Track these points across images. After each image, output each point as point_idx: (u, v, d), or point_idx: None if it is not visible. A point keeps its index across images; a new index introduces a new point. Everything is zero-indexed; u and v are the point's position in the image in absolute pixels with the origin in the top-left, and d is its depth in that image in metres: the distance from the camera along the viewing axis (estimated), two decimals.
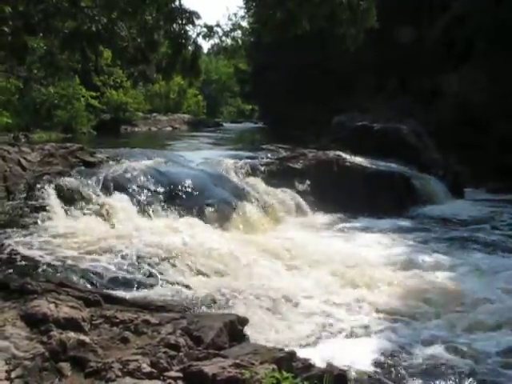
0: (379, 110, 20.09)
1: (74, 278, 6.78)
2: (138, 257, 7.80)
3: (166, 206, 10.52)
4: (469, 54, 20.98)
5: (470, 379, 5.25)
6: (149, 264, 7.64)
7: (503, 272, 8.38)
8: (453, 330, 6.40)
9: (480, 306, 7.04)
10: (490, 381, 5.29)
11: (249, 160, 13.84)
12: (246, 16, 37.93)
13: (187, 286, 7.19)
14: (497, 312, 6.82)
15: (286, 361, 4.15)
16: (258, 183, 12.63)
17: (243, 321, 5.14)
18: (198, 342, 4.50)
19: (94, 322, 4.67)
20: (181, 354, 4.22)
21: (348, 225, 11.68)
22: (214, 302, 6.70)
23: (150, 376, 3.84)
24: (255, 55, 39.98)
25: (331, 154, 14.84)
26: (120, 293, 6.61)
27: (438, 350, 5.87)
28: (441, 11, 23.47)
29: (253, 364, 3.91)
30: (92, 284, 6.84)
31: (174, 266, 7.71)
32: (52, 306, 4.63)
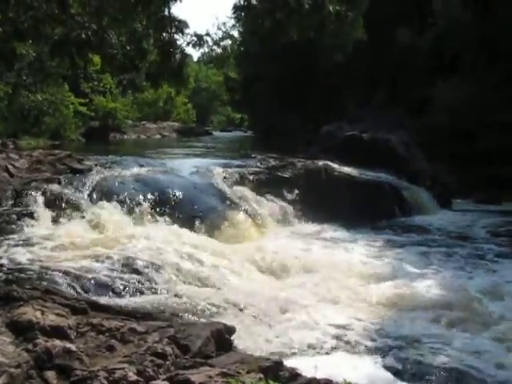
0: (368, 120, 20.15)
1: (61, 286, 6.73)
2: (125, 265, 7.77)
3: (153, 214, 10.52)
4: (457, 66, 21.19)
5: None
6: (136, 272, 7.61)
7: (490, 283, 8.42)
8: (442, 341, 6.39)
9: (467, 315, 7.07)
10: None
11: (238, 169, 13.83)
12: (237, 25, 38.10)
13: (174, 295, 7.16)
14: (486, 322, 6.86)
15: (273, 370, 4.14)
16: (246, 192, 12.61)
17: (230, 330, 5.12)
18: (185, 351, 4.48)
19: (80, 330, 4.63)
20: (167, 362, 4.20)
21: (336, 234, 11.68)
22: (202, 311, 6.67)
23: None
24: (245, 64, 40.02)
25: (320, 163, 14.87)
26: (107, 300, 6.59)
27: (427, 358, 5.88)
28: (430, 23, 23.69)
29: (239, 373, 3.89)
30: (78, 292, 6.80)
31: (161, 274, 7.69)
32: (38, 313, 4.59)
